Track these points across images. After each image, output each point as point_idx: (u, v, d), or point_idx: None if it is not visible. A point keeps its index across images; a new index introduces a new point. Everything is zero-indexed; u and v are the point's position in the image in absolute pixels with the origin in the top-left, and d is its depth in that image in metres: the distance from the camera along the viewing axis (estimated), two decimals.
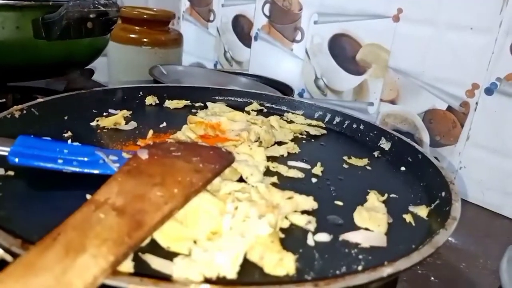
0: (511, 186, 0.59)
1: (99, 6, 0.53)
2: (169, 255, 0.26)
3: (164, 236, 0.27)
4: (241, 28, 1.00)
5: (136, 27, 0.90)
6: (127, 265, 0.24)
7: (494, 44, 0.58)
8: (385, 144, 0.49)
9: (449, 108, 0.64)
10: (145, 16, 0.89)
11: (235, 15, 1.01)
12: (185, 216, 0.28)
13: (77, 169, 0.33)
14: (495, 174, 0.60)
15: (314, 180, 0.39)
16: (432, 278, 0.40)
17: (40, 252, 0.21)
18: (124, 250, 0.23)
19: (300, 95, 0.90)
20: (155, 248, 0.27)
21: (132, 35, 0.90)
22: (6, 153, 0.33)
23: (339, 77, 0.80)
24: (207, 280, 0.24)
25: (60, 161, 0.33)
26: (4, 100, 0.60)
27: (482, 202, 0.61)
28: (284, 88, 0.87)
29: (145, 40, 0.92)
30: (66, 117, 0.47)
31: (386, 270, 0.23)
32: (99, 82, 0.88)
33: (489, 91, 0.60)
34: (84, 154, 0.34)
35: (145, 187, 0.29)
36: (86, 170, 0.33)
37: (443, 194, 0.35)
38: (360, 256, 0.29)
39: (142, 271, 0.24)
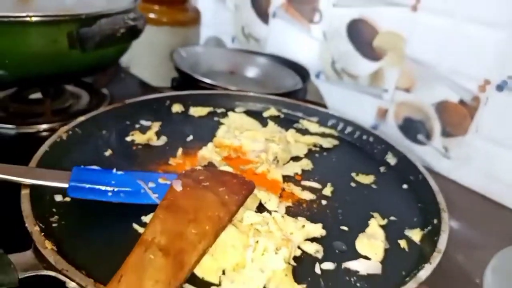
0: None
1: (128, 21, 0.56)
2: (204, 284, 0.33)
3: (199, 268, 0.34)
4: (259, 4, 0.99)
5: (155, 6, 0.92)
6: None
7: (508, 42, 0.60)
8: (391, 159, 0.54)
9: (461, 101, 0.67)
10: None
11: None
12: (215, 250, 0.35)
13: (124, 201, 0.39)
14: (501, 167, 0.64)
15: (324, 202, 0.45)
16: None
17: None
18: None
19: (317, 76, 0.92)
20: (193, 277, 0.33)
21: (151, 15, 0.92)
22: (66, 186, 0.39)
23: (356, 62, 0.82)
24: None
25: (109, 194, 0.39)
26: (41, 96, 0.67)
27: (488, 193, 0.65)
28: (301, 70, 0.90)
29: (164, 20, 0.94)
30: (104, 132, 0.53)
31: None
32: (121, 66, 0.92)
33: (499, 87, 0.63)
34: (127, 184, 0.41)
35: (182, 224, 0.35)
36: (131, 201, 0.39)
37: (435, 221, 0.41)
38: (358, 284, 0.35)
39: None
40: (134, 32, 0.59)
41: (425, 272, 0.34)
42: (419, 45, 0.71)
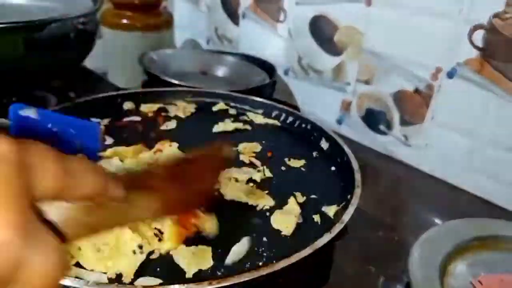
0: (470, 162, 0.66)
1: (79, 25, 0.60)
2: None
3: None
4: (229, 6, 1.02)
5: (127, 12, 0.94)
6: None
7: (455, 30, 0.63)
8: (324, 144, 0.57)
9: (416, 90, 0.70)
10: (135, 1, 0.93)
11: None
12: None
13: None
14: (456, 151, 0.67)
15: (251, 184, 0.48)
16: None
17: None
18: None
19: (285, 73, 0.95)
20: None
21: (124, 21, 0.95)
22: None
23: (319, 58, 0.86)
24: None
25: None
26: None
27: (445, 176, 0.68)
28: (269, 67, 0.93)
29: (136, 25, 0.97)
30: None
31: (265, 270, 0.33)
32: (92, 70, 0.94)
33: (450, 74, 0.66)
34: None
35: None
36: None
37: (349, 197, 0.44)
38: (265, 254, 0.38)
39: None
40: (86, 36, 0.63)
41: (322, 240, 0.37)
42: (375, 38, 0.74)
